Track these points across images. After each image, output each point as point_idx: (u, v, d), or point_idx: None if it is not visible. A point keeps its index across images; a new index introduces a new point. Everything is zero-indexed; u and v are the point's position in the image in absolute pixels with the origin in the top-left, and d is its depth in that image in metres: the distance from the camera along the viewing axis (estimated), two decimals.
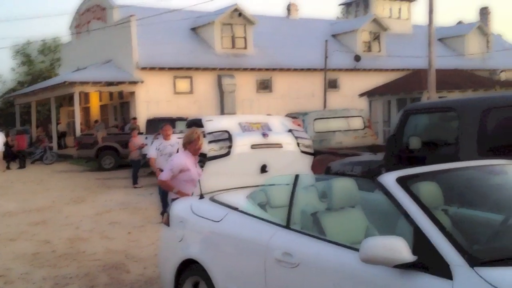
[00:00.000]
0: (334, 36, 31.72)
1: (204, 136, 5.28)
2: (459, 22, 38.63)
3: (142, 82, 24.62)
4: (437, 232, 2.80)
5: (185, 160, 5.94)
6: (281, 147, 5.13)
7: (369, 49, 31.25)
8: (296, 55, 28.45)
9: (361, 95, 22.85)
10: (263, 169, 5.11)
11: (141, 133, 19.07)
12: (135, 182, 15.26)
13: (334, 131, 13.99)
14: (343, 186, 3.87)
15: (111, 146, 20.52)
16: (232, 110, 25.86)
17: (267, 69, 27.37)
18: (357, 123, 14.35)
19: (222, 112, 25.62)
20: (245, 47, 27.96)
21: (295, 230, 3.65)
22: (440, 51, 28.09)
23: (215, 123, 5.12)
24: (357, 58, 28.93)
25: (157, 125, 19.07)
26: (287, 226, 3.69)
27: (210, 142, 4.89)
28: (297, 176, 3.97)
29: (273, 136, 5.10)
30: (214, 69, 26.24)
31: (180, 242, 4.53)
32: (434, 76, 15.05)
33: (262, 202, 4.44)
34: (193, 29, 28.45)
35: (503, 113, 5.48)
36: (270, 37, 29.16)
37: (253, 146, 4.98)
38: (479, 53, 32.67)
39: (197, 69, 25.94)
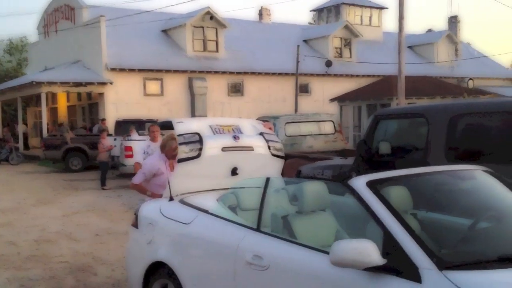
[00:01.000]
0: (305, 41, 31.93)
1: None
2: (429, 30, 39.31)
3: (111, 83, 24.34)
4: (406, 236, 2.82)
5: (159, 163, 5.89)
6: (252, 150, 5.10)
7: (340, 55, 31.56)
8: (268, 59, 28.53)
9: (332, 100, 23.04)
10: (234, 172, 5.07)
11: (110, 135, 18.85)
12: (103, 184, 15.05)
13: (305, 135, 14.05)
14: (314, 189, 3.87)
15: (79, 148, 20.22)
16: (203, 112, 25.78)
17: (238, 73, 27.38)
18: (327, 127, 14.45)
19: (193, 114, 25.52)
20: (217, 50, 27.91)
21: (266, 233, 3.63)
22: (410, 58, 28.52)
23: (185, 125, 5.06)
24: (328, 64, 29.17)
25: (126, 127, 18.96)
26: (257, 229, 3.67)
27: (180, 144, 4.83)
28: (268, 179, 3.97)
29: (244, 139, 5.07)
30: (185, 71, 26.13)
31: (149, 244, 4.48)
32: (404, 83, 15.26)
33: (233, 205, 4.42)
34: (164, 31, 28.28)
35: (471, 119, 5.59)
36: (242, 40, 29.19)
37: (224, 149, 4.94)
38: (448, 61, 33.28)
39: (168, 71, 25.78)
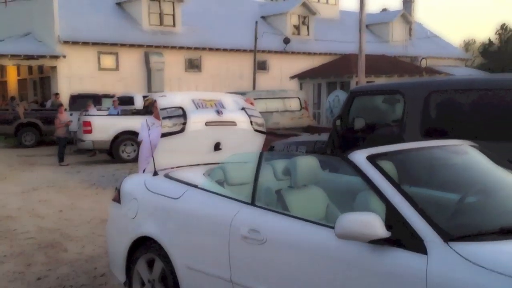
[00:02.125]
0: (263, 18, 31.74)
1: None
2: (384, 10, 39.82)
3: (64, 56, 23.59)
4: (410, 208, 2.86)
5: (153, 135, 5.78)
6: (235, 125, 5.05)
7: (298, 32, 31.58)
8: (226, 35, 28.27)
9: (292, 77, 23.10)
10: (217, 147, 5.02)
11: (65, 110, 18.34)
12: (61, 160, 14.67)
13: (271, 112, 14.04)
14: (307, 164, 3.89)
15: (33, 123, 19.58)
16: (160, 88, 25.39)
17: (196, 48, 27.02)
18: (293, 104, 14.50)
19: (150, 90, 25.11)
20: (174, 25, 27.44)
21: (261, 207, 3.62)
22: (366, 37, 28.79)
23: (168, 99, 4.95)
24: (286, 41, 29.16)
25: (82, 102, 18.49)
26: (252, 203, 3.66)
27: (164, 118, 4.73)
28: (261, 154, 3.95)
29: (227, 114, 5.01)
30: (141, 46, 25.60)
31: (134, 219, 4.39)
32: (364, 61, 15.43)
33: (220, 180, 4.38)
34: (119, 4, 27.55)
35: (447, 96, 5.71)
36: (199, 15, 28.78)
37: (208, 124, 4.87)
38: (402, 40, 33.85)
39: (123, 45, 25.19)
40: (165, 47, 26.22)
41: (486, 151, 3.74)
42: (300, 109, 14.44)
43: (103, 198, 9.94)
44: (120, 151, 14.96)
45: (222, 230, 3.67)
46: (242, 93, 13.91)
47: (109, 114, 15.97)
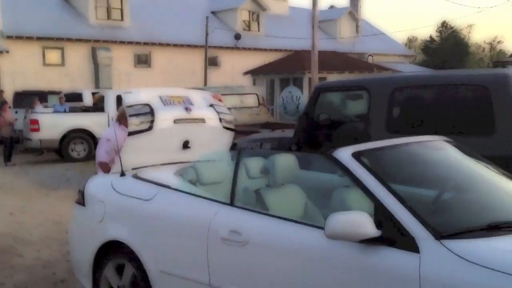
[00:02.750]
0: (214, 13, 31.47)
1: None
2: (331, 7, 40.25)
3: (7, 52, 22.67)
4: (400, 206, 2.81)
5: (118, 136, 5.53)
6: (204, 122, 4.90)
7: (248, 28, 31.48)
8: (176, 31, 27.86)
9: (246, 73, 23.00)
10: (185, 145, 4.86)
11: (9, 107, 17.61)
12: (7, 160, 14.05)
13: (229, 108, 13.79)
14: (285, 162, 3.80)
15: None
16: (108, 84, 24.80)
17: (145, 43, 26.53)
18: (251, 100, 14.38)
19: (98, 86, 24.49)
20: (122, 19, 26.85)
21: (241, 207, 3.50)
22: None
23: (134, 95, 4.73)
24: (237, 37, 29.04)
25: (27, 99, 17.77)
26: (231, 204, 3.53)
27: (130, 116, 4.53)
28: (239, 152, 3.82)
29: (196, 110, 4.85)
30: (88, 40, 24.94)
31: (101, 223, 4.18)
32: (317, 58, 15.49)
33: (192, 180, 4.23)
34: None
35: (412, 92, 5.75)
36: (148, 9, 28.24)
37: (176, 121, 4.70)
38: (350, 37, 34.32)
39: (69, 40, 24.47)
40: (113, 42, 25.64)
41: (460, 146, 3.75)
42: (258, 105, 14.35)
43: (54, 199, 9.57)
44: (69, 150, 14.43)
45: (199, 232, 3.53)
46: (200, 90, 13.73)
47: (55, 112, 15.39)
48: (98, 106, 14.86)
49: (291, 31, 29.80)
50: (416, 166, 3.55)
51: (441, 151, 3.68)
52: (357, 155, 3.13)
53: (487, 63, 54.15)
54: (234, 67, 26.81)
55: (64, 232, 7.24)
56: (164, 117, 4.64)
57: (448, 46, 48.55)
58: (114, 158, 5.47)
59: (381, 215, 2.83)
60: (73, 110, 15.36)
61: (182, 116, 4.75)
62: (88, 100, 16.65)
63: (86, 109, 15.35)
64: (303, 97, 16.60)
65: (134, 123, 4.53)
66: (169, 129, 4.68)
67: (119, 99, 14.38)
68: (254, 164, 4.01)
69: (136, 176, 4.29)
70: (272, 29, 31.42)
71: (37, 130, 14.08)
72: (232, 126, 5.18)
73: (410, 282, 2.62)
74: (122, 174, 4.35)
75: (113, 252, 4.10)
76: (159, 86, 23.54)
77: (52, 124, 14.26)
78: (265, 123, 12.64)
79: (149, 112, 4.60)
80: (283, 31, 30.50)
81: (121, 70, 25.69)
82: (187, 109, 4.81)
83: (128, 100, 4.64)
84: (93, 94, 16.65)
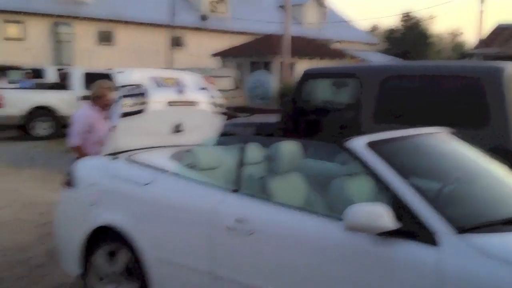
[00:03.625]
0: None
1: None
2: None
3: None
4: (419, 199, 2.76)
5: (92, 116, 5.31)
6: (196, 105, 4.76)
7: (215, 9, 31.06)
8: (140, 8, 27.27)
9: (215, 55, 22.72)
10: (177, 128, 4.71)
11: None
12: None
13: None
14: (292, 149, 3.71)
15: None
16: (70, 61, 24.14)
17: (108, 20, 25.88)
18: (227, 83, 14.15)
19: (59, 62, 23.78)
20: None
21: (247, 195, 3.39)
22: (282, 19, 28.94)
23: (127, 75, 4.54)
24: (204, 18, 28.64)
25: None
26: (237, 191, 3.42)
27: (124, 96, 4.34)
28: (246, 139, 3.71)
29: (189, 93, 4.70)
30: (50, 15, 24.14)
31: (93, 206, 4.00)
32: (289, 43, 15.42)
33: (189, 164, 4.09)
34: None
35: (402, 81, 5.73)
36: None
37: (170, 103, 4.54)
38: (316, 23, 34.35)
39: (29, 14, 23.68)
40: (75, 17, 24.97)
41: (466, 139, 3.73)
42: (234, 89, 14.14)
43: (21, 179, 9.23)
44: (34, 127, 13.92)
45: (202, 220, 3.40)
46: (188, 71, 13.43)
47: (21, 88, 14.81)
48: (62, 83, 14.39)
49: (258, 14, 29.60)
50: (428, 158, 3.50)
51: (449, 143, 3.66)
52: (372, 145, 3.06)
53: (447, 54, 55.24)
54: (200, 48, 26.47)
55: (37, 214, 6.98)
56: (158, 99, 4.48)
57: (410, 36, 49.21)
58: (89, 141, 5.30)
59: (399, 208, 2.77)
60: (39, 86, 14.78)
61: (175, 98, 4.60)
62: (51, 77, 16.09)
63: (52, 86, 14.81)
64: (273, 81, 16.58)
65: (127, 104, 4.35)
66: (163, 112, 4.52)
67: (86, 77, 13.99)
68: (258, 150, 3.90)
69: (129, 159, 4.12)
70: (239, 11, 31.13)
71: (1, 106, 13.53)
72: (222, 110, 5.05)
73: (429, 276, 2.58)
74: (115, 156, 4.18)
75: (104, 238, 3.94)
76: (123, 65, 23.03)
77: (17, 100, 13.71)
78: (241, 107, 12.49)
79: (143, 93, 4.42)
80: (250, 14, 30.27)
81: (83, 47, 25.04)
82: (180, 91, 4.66)
83: (120, 80, 4.44)
84: (59, 70, 16.10)
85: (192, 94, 4.76)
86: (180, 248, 3.56)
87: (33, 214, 6.94)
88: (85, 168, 4.29)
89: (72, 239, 4.14)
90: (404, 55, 41.48)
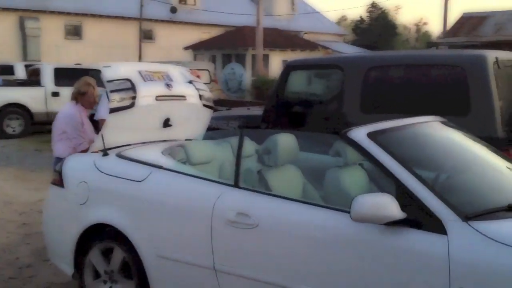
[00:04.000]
0: None
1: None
2: None
3: None
4: (423, 188, 2.78)
5: (77, 115, 5.20)
6: (185, 99, 4.70)
7: (184, 1, 30.78)
8: (109, 1, 26.84)
9: (186, 48, 22.50)
10: (166, 123, 4.66)
11: None
12: None
13: None
14: (287, 142, 3.72)
15: None
16: (37, 56, 23.66)
17: (76, 14, 25.42)
18: (203, 77, 14.01)
19: (25, 58, 23.29)
20: None
21: (247, 189, 3.38)
22: (251, 10, 28.85)
23: (113, 69, 4.44)
24: (173, 10, 28.36)
25: None
26: (236, 185, 3.40)
27: (112, 91, 4.25)
28: (242, 131, 3.69)
29: (177, 87, 4.63)
30: (16, 10, 23.58)
31: (84, 205, 3.94)
32: (262, 35, 15.41)
33: (182, 159, 4.07)
34: None
35: (386, 71, 5.76)
36: None
37: (158, 98, 4.48)
38: (286, 14, 34.34)
39: None
40: (42, 11, 24.42)
41: (458, 127, 3.79)
42: (210, 82, 14.04)
43: None
44: (4, 125, 13.59)
45: (202, 215, 3.38)
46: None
47: None
48: (33, 80, 14.08)
49: (228, 6, 29.42)
50: (427, 147, 3.53)
51: (445, 131, 3.70)
52: (373, 135, 3.08)
53: (413, 44, 55.93)
54: (171, 41, 26.20)
55: (16, 213, 6.85)
56: (146, 93, 4.41)
57: (377, 27, 49.64)
58: (77, 139, 5.20)
59: (404, 197, 2.80)
60: (8, 83, 14.42)
61: (163, 92, 4.54)
62: (20, 73, 15.73)
63: (22, 83, 14.47)
64: (246, 74, 16.54)
65: (115, 98, 4.27)
66: (151, 106, 4.46)
67: (56, 73, 13.73)
68: (252, 144, 3.89)
69: (120, 156, 4.06)
70: (209, 3, 30.91)
71: None
72: (211, 104, 5.01)
73: (439, 264, 2.61)
74: (105, 153, 4.11)
75: (98, 236, 3.88)
76: (91, 60, 22.70)
77: None
78: (217, 100, 12.40)
79: (130, 88, 4.34)
80: (220, 6, 30.08)
81: (51, 42, 24.57)
82: (168, 85, 4.59)
83: (107, 74, 4.35)
84: (28, 66, 15.73)
85: (180, 88, 4.70)
86: (180, 245, 3.54)
87: (13, 214, 6.82)
88: (75, 165, 4.21)
89: (64, 238, 4.07)
90: (371, 46, 41.87)
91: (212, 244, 3.34)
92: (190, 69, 5.20)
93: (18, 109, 13.53)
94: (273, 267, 3.15)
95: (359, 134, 3.10)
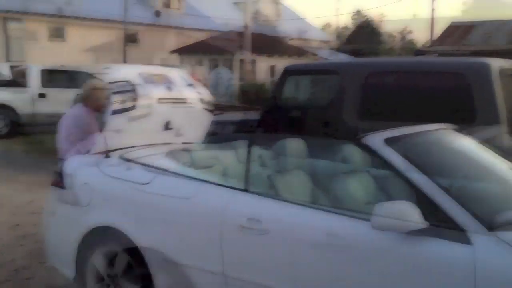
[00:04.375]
0: None
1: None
2: None
3: None
4: (445, 196, 2.72)
5: (84, 118, 5.10)
6: (185, 102, 4.68)
7: (168, 5, 30.63)
8: (93, 4, 26.55)
9: (173, 52, 22.37)
10: (167, 126, 4.61)
11: None
12: None
13: None
14: (297, 147, 3.69)
15: None
16: (21, 58, 23.26)
17: (60, 16, 25.12)
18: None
19: (8, 60, 22.92)
20: None
21: (258, 194, 3.34)
22: (235, 15, 28.81)
23: (114, 71, 4.41)
24: (157, 14, 28.21)
25: None
26: (246, 190, 3.36)
27: (113, 93, 4.21)
28: (252, 137, 3.66)
29: (178, 90, 4.62)
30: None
31: (87, 207, 3.86)
32: (250, 39, 15.40)
33: (186, 163, 4.02)
34: None
35: (386, 78, 5.77)
36: None
37: (159, 100, 4.44)
38: (271, 20, 34.38)
39: None
40: (26, 13, 24.04)
41: (470, 135, 3.78)
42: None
43: None
44: None
45: (211, 219, 3.33)
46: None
47: None
48: (19, 81, 13.88)
49: (213, 10, 29.38)
50: (443, 155, 3.51)
51: (458, 139, 3.69)
52: (390, 142, 3.04)
53: (398, 52, 56.32)
54: (155, 45, 26.01)
55: (8, 215, 6.71)
56: (148, 96, 4.37)
57: (362, 34, 49.98)
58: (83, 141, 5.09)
59: (425, 205, 2.72)
60: None
61: (164, 95, 4.52)
62: (5, 74, 15.48)
63: (7, 84, 14.23)
64: (233, 78, 16.48)
65: (117, 101, 4.22)
66: (152, 109, 4.42)
67: (43, 74, 13.56)
68: (264, 149, 3.85)
69: (123, 158, 4.00)
70: (193, 7, 30.82)
71: None
72: (210, 107, 4.99)
73: (464, 275, 2.55)
74: (107, 155, 4.05)
75: (102, 239, 3.81)
76: (74, 62, 22.44)
77: None
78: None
79: (132, 90, 4.30)
80: (205, 10, 30.02)
81: (35, 44, 24.20)
82: (169, 88, 4.56)
83: (108, 76, 4.30)
84: (13, 67, 15.50)
85: (181, 91, 4.67)
86: (187, 249, 3.47)
87: (4, 215, 6.68)
88: (77, 167, 4.13)
89: (66, 240, 3.99)
90: (356, 53, 42.08)
91: (222, 249, 3.29)
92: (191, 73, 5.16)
93: (2, 110, 13.31)
94: (284, 273, 3.10)
95: (376, 140, 3.05)
